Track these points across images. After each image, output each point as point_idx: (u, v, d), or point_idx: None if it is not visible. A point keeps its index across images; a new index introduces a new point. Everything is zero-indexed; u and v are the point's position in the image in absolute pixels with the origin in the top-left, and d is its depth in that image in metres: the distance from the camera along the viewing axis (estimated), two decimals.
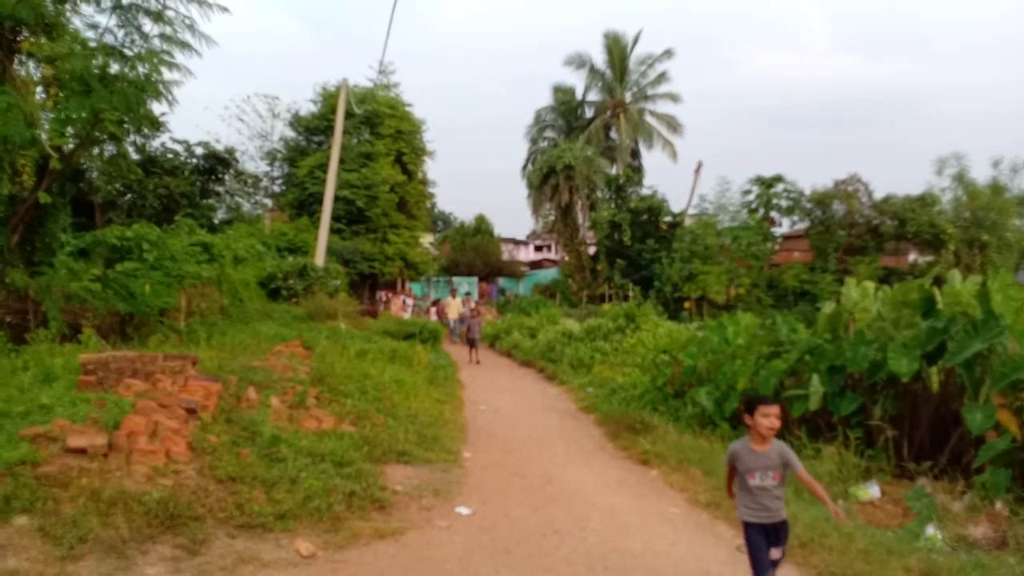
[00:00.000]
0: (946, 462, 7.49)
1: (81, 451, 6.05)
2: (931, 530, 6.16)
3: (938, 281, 10.16)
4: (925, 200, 34.05)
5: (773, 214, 36.56)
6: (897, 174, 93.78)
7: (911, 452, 7.86)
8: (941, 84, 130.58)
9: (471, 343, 21.87)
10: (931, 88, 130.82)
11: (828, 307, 10.29)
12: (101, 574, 4.92)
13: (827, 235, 34.73)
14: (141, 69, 13.37)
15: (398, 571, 5.42)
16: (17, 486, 5.49)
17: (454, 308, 28.17)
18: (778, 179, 35.96)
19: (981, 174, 37.63)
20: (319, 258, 25.50)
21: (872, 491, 7.30)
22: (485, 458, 9.32)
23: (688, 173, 49.73)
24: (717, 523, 6.90)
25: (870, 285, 9.96)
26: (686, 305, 33.65)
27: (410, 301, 34.38)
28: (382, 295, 34.40)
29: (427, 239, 43.85)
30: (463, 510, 7.00)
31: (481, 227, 56.28)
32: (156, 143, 28.69)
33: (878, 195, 35.20)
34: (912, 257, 36.15)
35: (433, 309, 30.86)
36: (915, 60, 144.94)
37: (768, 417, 4.42)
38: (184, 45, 13.96)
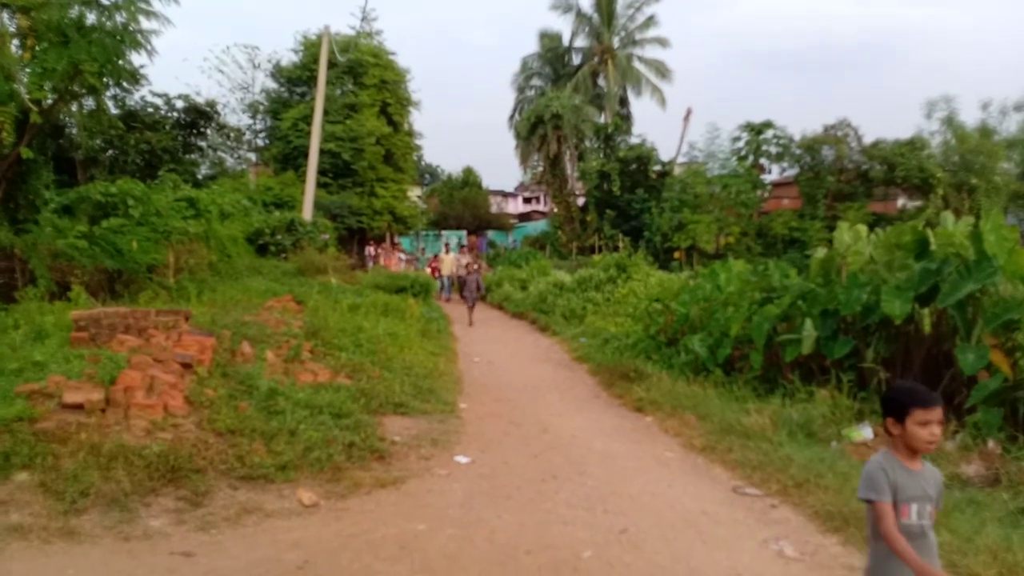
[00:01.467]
0: None
1: (78, 407, 6.04)
2: None
3: (929, 225, 10.16)
4: (914, 144, 33.87)
5: (763, 161, 36.34)
6: (887, 119, 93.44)
7: None
8: (932, 27, 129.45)
9: (470, 302, 19.74)
10: (922, 31, 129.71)
11: (820, 252, 10.30)
12: (105, 527, 4.95)
13: (816, 181, 34.59)
14: (119, 18, 13.04)
15: (401, 518, 5.47)
16: (15, 442, 5.49)
17: (447, 264, 26.54)
18: (768, 125, 35.65)
19: (970, 117, 37.57)
20: (306, 213, 25.30)
21: (865, 432, 7.39)
22: (481, 408, 9.38)
23: (677, 121, 49.50)
24: (712, 466, 6.99)
25: (863, 228, 9.95)
26: (676, 255, 33.62)
27: (403, 256, 34.03)
28: (370, 249, 34.14)
29: (415, 192, 43.50)
30: (462, 459, 7.05)
31: (469, 179, 55.73)
32: (136, 97, 28.13)
33: (867, 140, 35.06)
34: (901, 202, 36.13)
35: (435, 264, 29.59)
36: (907, 2, 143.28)
37: (928, 426, 2.92)
38: None
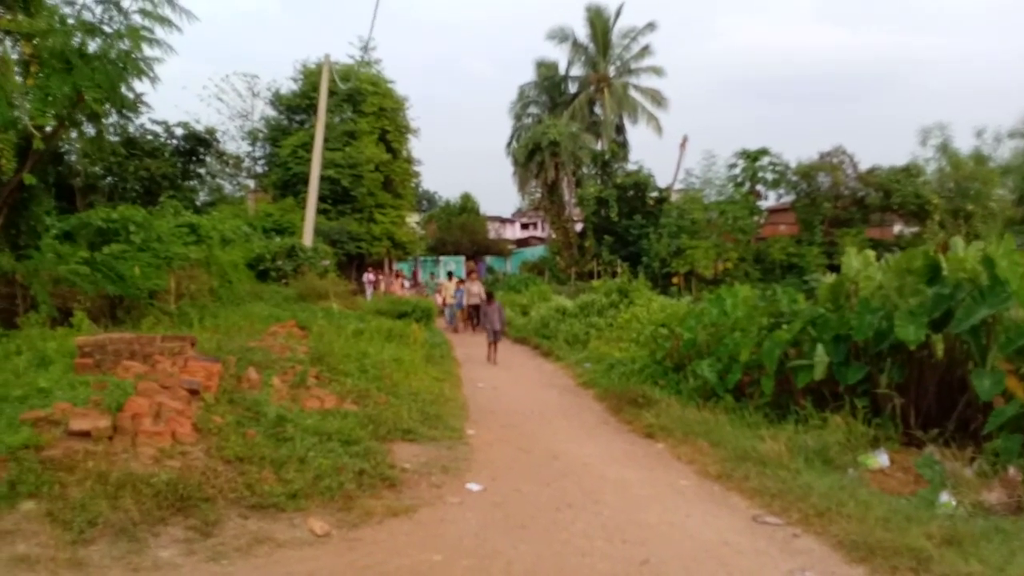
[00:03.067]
0: (953, 429, 7.50)
1: (85, 434, 5.92)
2: (945, 496, 6.15)
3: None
4: (910, 171, 34.12)
5: (759, 187, 36.50)
6: (881, 146, 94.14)
7: (918, 420, 7.86)
8: (922, 56, 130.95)
9: (492, 337, 16.73)
10: (913, 60, 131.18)
11: (829, 277, 10.26)
12: (113, 557, 4.81)
13: (813, 208, 34.75)
14: (122, 46, 13.08)
15: (414, 548, 5.34)
16: (21, 471, 5.35)
17: (450, 291, 25.50)
18: (763, 152, 35.86)
19: (965, 144, 37.84)
20: (307, 239, 25.27)
21: (881, 459, 7.29)
22: (489, 435, 9.25)
23: (673, 148, 49.35)
24: (730, 494, 6.86)
25: (871, 254, 9.92)
26: (674, 280, 33.65)
27: (407, 283, 33.79)
28: (368, 275, 34.02)
29: (413, 218, 43.59)
30: (474, 486, 6.92)
31: (467, 205, 56.00)
32: (136, 124, 28.23)
33: (863, 167, 35.27)
34: (897, 228, 36.30)
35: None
36: (896, 31, 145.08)
37: None
38: (164, 20, 13.65)
